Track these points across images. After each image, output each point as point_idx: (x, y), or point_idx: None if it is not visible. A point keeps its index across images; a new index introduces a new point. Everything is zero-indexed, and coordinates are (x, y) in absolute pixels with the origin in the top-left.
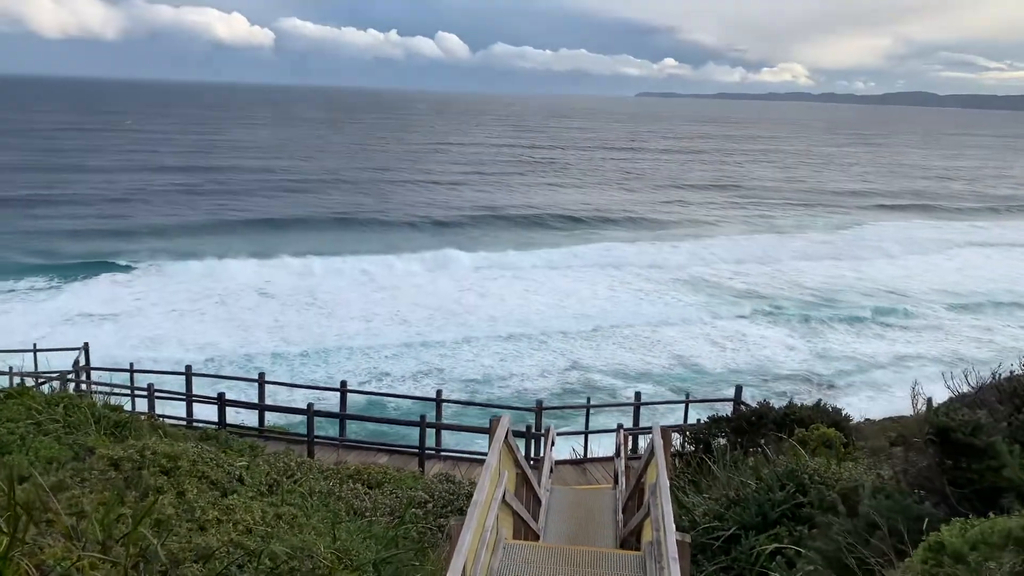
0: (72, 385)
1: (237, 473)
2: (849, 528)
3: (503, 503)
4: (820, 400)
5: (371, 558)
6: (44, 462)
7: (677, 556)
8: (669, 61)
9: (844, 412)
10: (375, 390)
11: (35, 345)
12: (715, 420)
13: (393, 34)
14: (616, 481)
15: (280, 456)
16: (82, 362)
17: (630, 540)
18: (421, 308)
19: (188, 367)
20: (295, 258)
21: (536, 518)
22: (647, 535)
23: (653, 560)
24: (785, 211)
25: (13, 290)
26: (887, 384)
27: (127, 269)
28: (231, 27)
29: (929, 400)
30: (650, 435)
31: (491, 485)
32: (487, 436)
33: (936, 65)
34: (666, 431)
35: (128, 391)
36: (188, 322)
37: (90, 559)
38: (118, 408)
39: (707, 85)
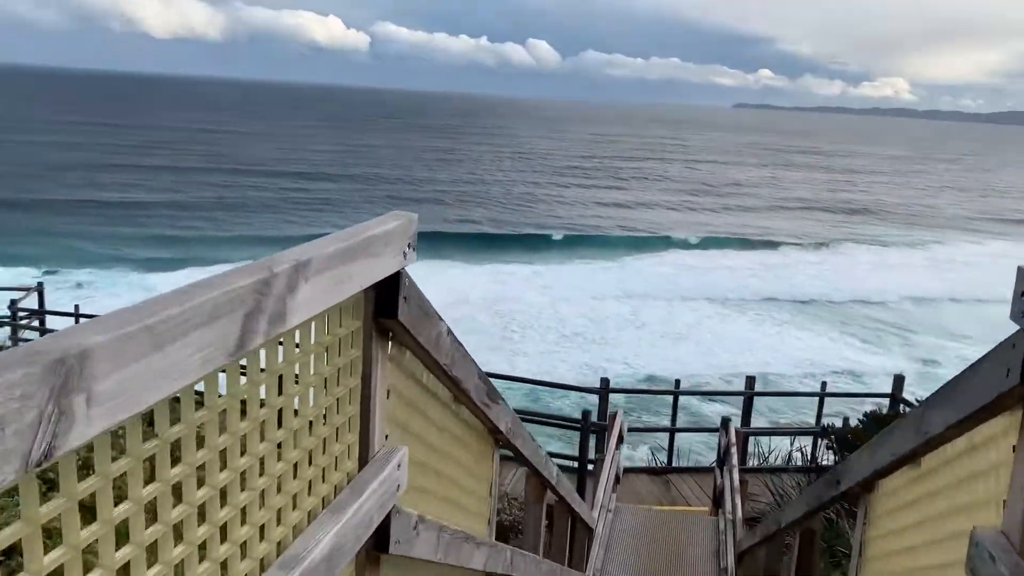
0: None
1: None
2: None
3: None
4: None
5: None
6: None
7: None
8: (764, 72)
9: None
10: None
11: None
12: (874, 417)
13: (484, 40)
14: (716, 503)
15: None
16: (31, 305)
17: None
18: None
19: None
20: None
21: (586, 556)
22: None
23: None
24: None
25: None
26: None
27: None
28: (328, 30)
29: None
30: (776, 435)
31: None
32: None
33: None
34: None
35: None
36: None
37: None
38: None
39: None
